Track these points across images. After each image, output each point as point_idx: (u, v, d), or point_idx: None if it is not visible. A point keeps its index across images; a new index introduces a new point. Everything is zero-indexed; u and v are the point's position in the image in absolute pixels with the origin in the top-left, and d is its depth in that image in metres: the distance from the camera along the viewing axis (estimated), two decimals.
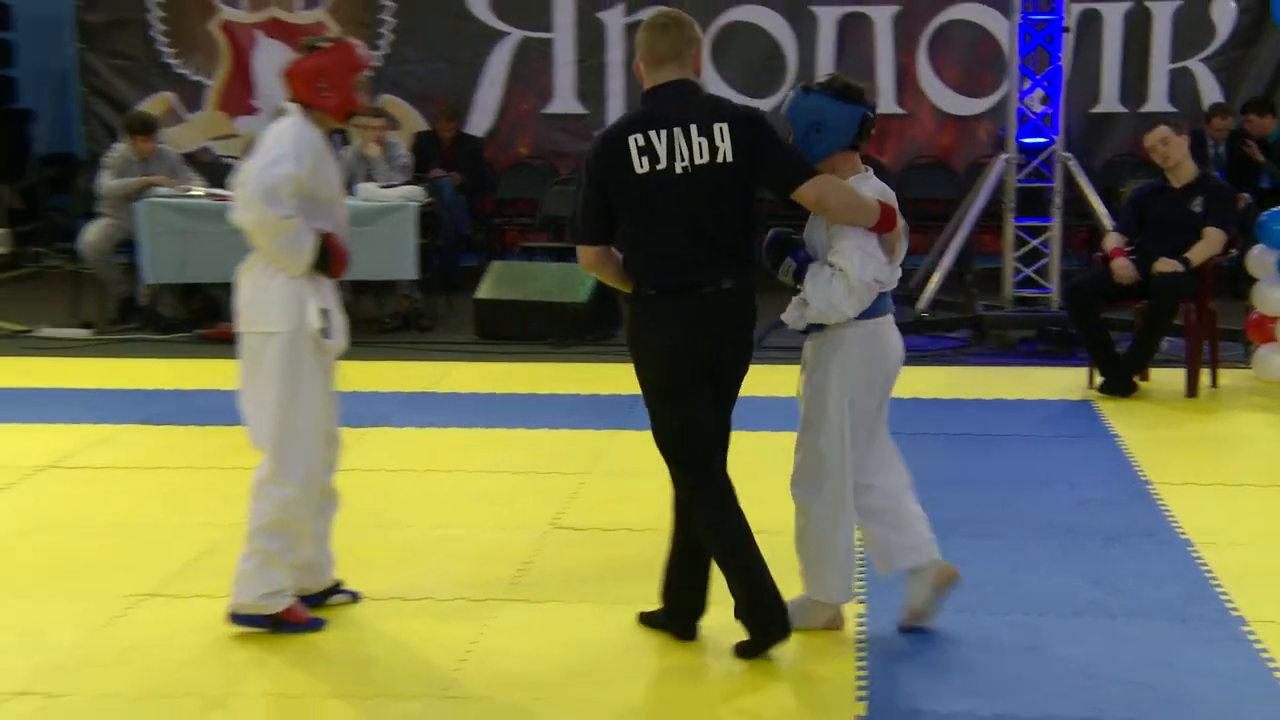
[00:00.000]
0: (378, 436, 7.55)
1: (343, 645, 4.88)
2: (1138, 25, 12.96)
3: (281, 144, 4.77)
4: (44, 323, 10.56)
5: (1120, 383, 8.40)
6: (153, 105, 13.35)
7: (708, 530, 4.65)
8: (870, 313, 4.69)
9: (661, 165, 4.49)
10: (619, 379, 9.06)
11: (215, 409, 8.15)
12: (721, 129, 4.50)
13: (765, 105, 13.12)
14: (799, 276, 4.66)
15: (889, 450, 4.94)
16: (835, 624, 4.94)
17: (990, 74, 12.93)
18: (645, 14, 14.53)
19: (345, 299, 10.80)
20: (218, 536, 5.82)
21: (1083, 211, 10.80)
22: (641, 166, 4.49)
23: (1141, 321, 8.57)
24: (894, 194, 4.82)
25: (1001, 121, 11.29)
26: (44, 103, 14.06)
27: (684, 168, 4.49)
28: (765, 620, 4.63)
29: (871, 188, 4.71)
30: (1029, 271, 10.43)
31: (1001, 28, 12.36)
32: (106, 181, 10.55)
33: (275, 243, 4.75)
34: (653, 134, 4.49)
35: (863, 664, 4.68)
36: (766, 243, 4.74)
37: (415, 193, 10.49)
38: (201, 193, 10.25)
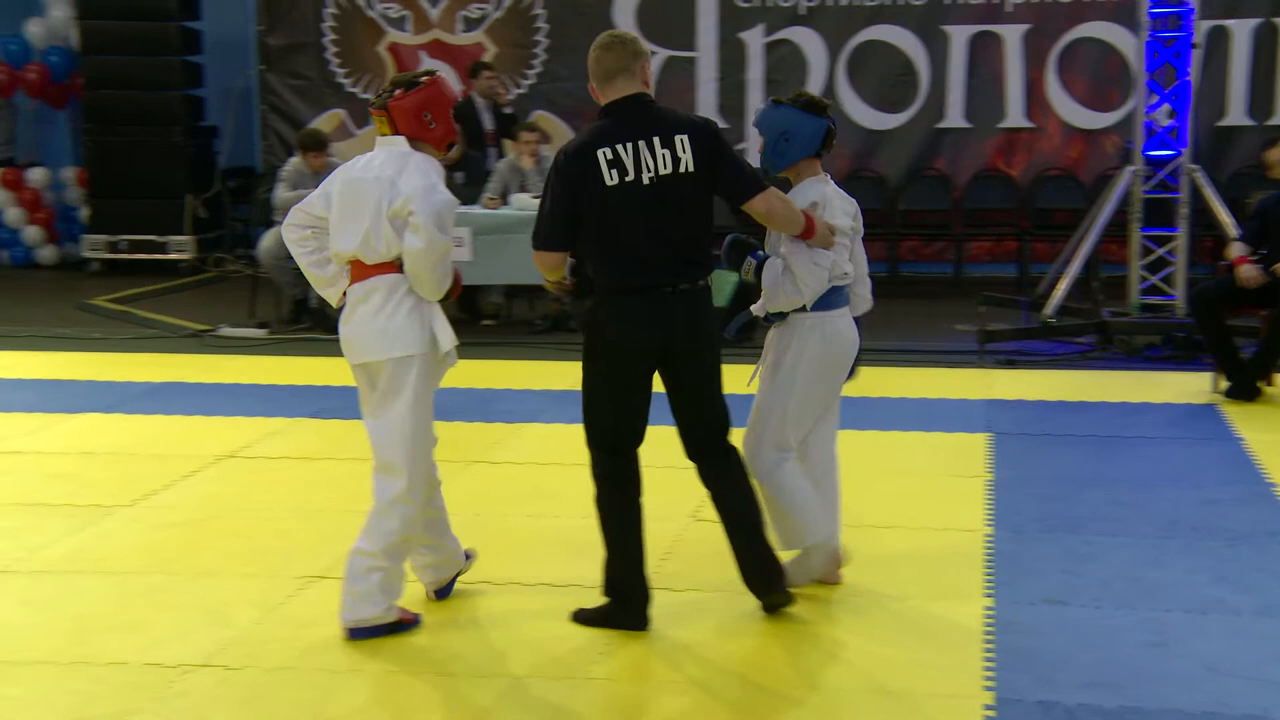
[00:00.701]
0: (528, 432, 7.60)
1: (491, 627, 4.90)
2: (1266, 40, 12.58)
3: (427, 173, 4.72)
4: (224, 323, 10.79)
5: (1245, 387, 8.17)
6: (325, 122, 13.59)
7: (607, 511, 4.81)
8: (825, 305, 4.94)
9: (630, 177, 4.59)
10: None
11: None
12: (683, 140, 4.62)
13: (897, 120, 13.03)
14: (758, 273, 4.94)
15: (830, 436, 5.15)
16: (833, 569, 5.10)
17: (1117, 89, 12.65)
18: (785, 33, 14.26)
19: (499, 302, 10.96)
20: None
21: (1209, 221, 10.51)
22: (611, 179, 4.59)
23: (1266, 328, 8.31)
24: (854, 200, 5.08)
25: (1129, 135, 11.04)
26: (228, 120, 14.38)
27: (650, 178, 4.60)
28: (637, 603, 4.83)
29: (832, 189, 5.00)
30: (1155, 279, 10.17)
31: (1129, 45, 12.09)
32: (282, 193, 10.74)
33: (438, 268, 4.72)
34: (619, 147, 4.59)
35: (990, 654, 4.59)
36: (725, 246, 5.02)
37: None
38: None
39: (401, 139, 4.77)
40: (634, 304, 4.65)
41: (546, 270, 4.79)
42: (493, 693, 4.39)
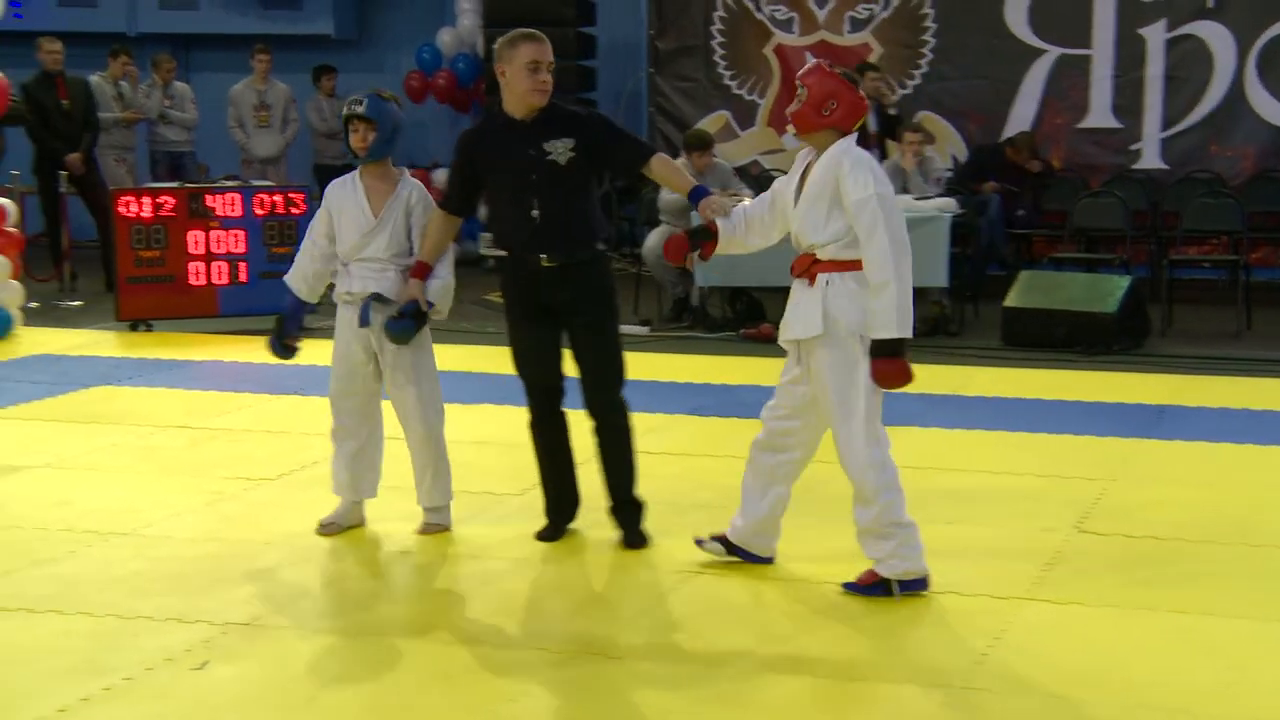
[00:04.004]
0: (904, 435, 7.47)
1: (872, 628, 4.87)
2: None
3: None
4: None
5: None
6: (710, 123, 13.80)
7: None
8: None
9: None
10: (1146, 388, 8.64)
11: (755, 403, 8.28)
12: None
13: None
14: None
15: None
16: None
17: None
18: (1189, 28, 13.59)
19: None
20: None
21: None
22: None
23: None
24: None
25: None
26: (617, 121, 14.80)
27: None
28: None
29: None
30: None
31: None
32: (665, 194, 10.99)
33: None
34: None
35: None
36: None
37: (949, 204, 10.37)
38: (748, 203, 10.48)
39: None
40: None
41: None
42: (869, 695, 4.36)
